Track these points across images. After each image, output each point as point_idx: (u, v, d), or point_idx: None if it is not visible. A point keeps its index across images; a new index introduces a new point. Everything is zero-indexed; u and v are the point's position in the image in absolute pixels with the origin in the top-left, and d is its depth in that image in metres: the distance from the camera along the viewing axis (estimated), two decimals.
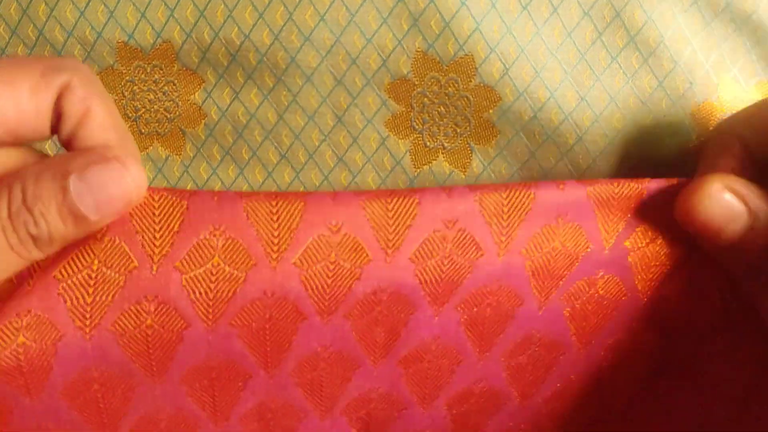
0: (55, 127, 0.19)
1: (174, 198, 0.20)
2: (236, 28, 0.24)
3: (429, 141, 0.26)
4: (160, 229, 0.20)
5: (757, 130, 0.23)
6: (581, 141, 0.25)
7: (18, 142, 0.19)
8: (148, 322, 0.21)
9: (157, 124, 0.26)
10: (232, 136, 0.26)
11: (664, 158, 0.26)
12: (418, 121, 0.25)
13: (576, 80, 0.25)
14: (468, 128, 0.25)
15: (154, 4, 0.24)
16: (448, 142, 0.26)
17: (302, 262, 0.21)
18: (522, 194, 0.22)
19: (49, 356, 0.20)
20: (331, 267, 0.21)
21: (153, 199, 0.21)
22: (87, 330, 0.20)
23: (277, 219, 0.21)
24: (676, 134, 0.26)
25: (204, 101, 0.26)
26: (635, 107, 0.26)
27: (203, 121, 0.26)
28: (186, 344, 0.21)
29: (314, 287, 0.21)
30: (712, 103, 0.26)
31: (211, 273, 0.21)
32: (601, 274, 0.24)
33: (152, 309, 0.21)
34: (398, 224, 0.21)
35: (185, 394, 0.22)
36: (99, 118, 0.19)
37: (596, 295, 0.24)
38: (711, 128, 0.26)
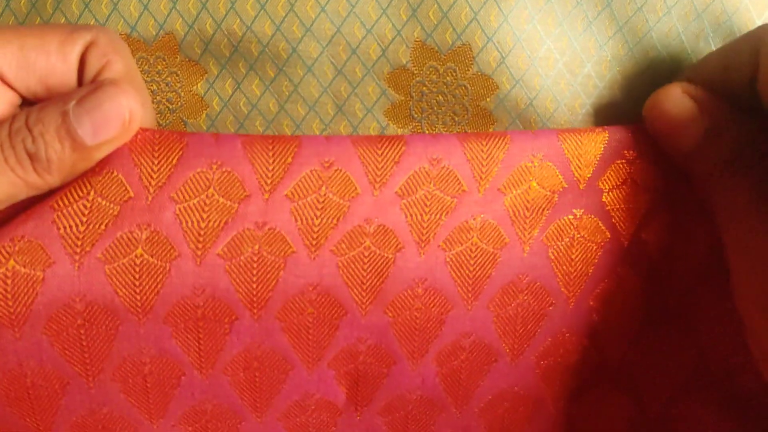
0: (81, 80, 0.21)
1: (174, 136, 0.21)
2: (238, 20, 0.24)
3: (428, 129, 0.26)
4: (158, 162, 0.21)
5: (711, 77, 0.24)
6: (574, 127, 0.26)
7: (49, 93, 0.21)
8: (138, 251, 0.21)
9: (159, 116, 0.26)
10: (234, 126, 0.26)
11: None
12: (416, 110, 0.26)
13: (568, 68, 0.26)
14: (466, 117, 0.26)
15: None
16: (446, 131, 0.26)
17: (293, 194, 0.22)
18: (500, 139, 0.23)
19: (36, 282, 0.21)
20: (321, 199, 0.22)
21: (154, 137, 0.21)
22: (76, 258, 0.21)
23: (273, 155, 0.22)
24: None
25: (206, 92, 0.26)
26: (621, 94, 0.27)
27: (205, 112, 0.26)
28: (173, 276, 0.22)
29: (303, 219, 0.22)
30: None
31: (205, 203, 0.22)
32: (580, 213, 0.25)
33: (144, 237, 0.21)
34: (386, 160, 0.23)
35: (170, 335, 0.23)
36: (116, 69, 0.21)
37: (577, 236, 0.25)
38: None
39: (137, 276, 0.21)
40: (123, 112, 0.20)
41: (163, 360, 0.23)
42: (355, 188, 0.23)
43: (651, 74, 0.26)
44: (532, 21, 0.25)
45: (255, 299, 0.23)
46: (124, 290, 0.21)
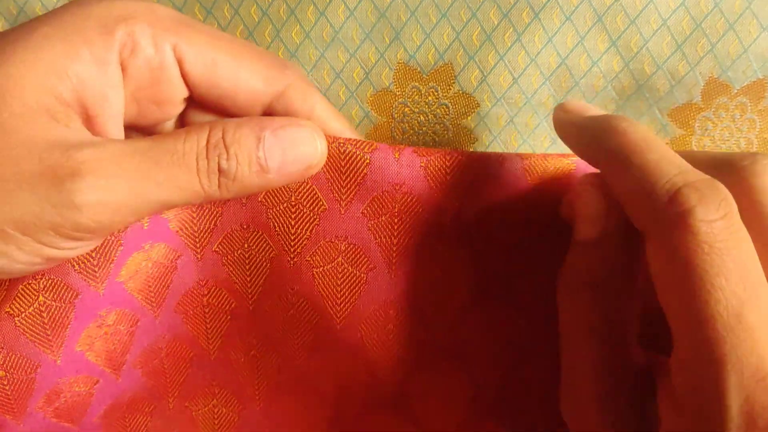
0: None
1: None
2: None
3: None
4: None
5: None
6: (555, 144, 0.26)
7: (218, 100, 0.22)
8: (152, 254, 0.23)
9: None
10: None
11: None
12: (397, 131, 0.26)
13: (554, 84, 0.26)
14: (446, 136, 0.26)
15: None
16: None
17: (266, 200, 0.23)
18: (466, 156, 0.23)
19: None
20: (293, 209, 0.23)
21: None
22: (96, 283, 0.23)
23: None
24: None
25: None
26: (612, 109, 0.26)
27: None
28: (179, 272, 0.23)
29: (279, 225, 0.23)
30: (693, 104, 0.26)
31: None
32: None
33: (149, 248, 0.23)
34: (349, 181, 0.23)
35: (182, 322, 0.25)
36: (323, 113, 0.22)
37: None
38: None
39: (149, 276, 0.23)
40: (311, 158, 0.21)
41: (177, 344, 0.25)
42: (323, 204, 0.23)
43: (649, 88, 0.26)
44: (516, 38, 0.25)
45: (247, 291, 0.24)
46: (143, 288, 0.23)
